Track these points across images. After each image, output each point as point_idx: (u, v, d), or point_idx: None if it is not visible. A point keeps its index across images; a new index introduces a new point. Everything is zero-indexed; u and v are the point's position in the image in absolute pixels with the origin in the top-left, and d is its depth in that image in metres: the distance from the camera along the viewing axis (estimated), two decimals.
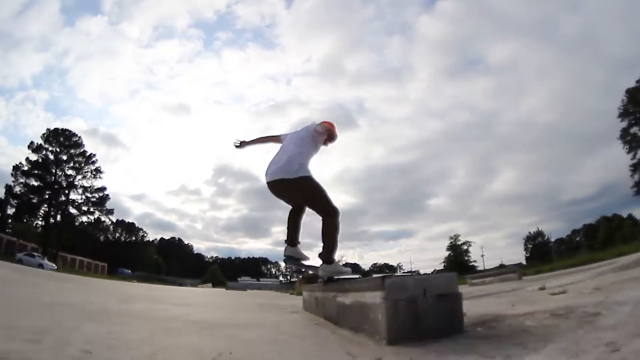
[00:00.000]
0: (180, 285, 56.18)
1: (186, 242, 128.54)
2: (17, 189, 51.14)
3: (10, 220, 51.22)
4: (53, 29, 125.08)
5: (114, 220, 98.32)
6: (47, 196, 52.10)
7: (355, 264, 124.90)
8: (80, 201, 56.46)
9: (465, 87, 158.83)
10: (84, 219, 57.77)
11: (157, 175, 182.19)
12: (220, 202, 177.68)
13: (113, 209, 59.77)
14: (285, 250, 4.31)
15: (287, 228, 4.32)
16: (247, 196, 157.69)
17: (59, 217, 54.08)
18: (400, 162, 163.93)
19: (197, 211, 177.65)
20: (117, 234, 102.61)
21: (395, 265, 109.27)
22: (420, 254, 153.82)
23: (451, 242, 60.81)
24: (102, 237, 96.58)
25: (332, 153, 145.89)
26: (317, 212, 3.89)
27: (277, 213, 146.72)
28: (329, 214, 3.81)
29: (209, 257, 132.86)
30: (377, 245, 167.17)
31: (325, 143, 4.27)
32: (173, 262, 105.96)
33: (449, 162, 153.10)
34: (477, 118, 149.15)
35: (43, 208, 52.38)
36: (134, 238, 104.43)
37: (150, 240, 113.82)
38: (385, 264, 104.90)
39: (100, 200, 57.60)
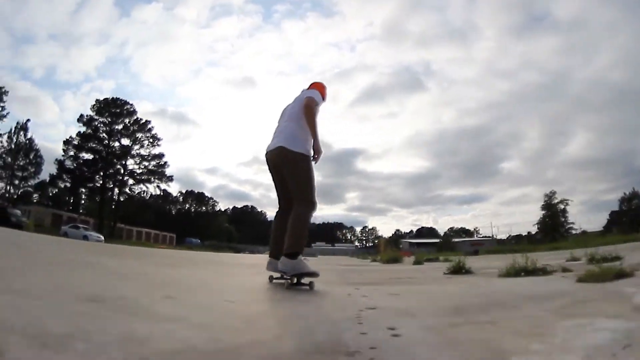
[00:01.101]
0: (251, 252, 54.24)
1: (259, 210, 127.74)
2: (68, 163, 48.76)
3: (69, 197, 48.25)
4: (109, 22, 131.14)
5: (183, 191, 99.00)
6: (101, 168, 49.35)
7: (431, 227, 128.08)
8: (138, 170, 53.43)
9: (533, 45, 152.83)
10: (142, 187, 54.21)
11: (229, 148, 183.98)
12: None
13: (172, 176, 55.94)
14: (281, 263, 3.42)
15: (275, 234, 3.73)
16: (320, 163, 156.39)
17: (116, 190, 51.23)
18: (471, 125, 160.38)
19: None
20: (187, 205, 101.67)
21: (472, 229, 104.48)
22: (494, 218, 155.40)
23: (546, 201, 49.03)
24: (172, 210, 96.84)
25: (402, 117, 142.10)
26: (297, 197, 3.51)
27: (350, 179, 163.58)
28: (308, 205, 3.52)
29: None
30: (451, 210, 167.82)
31: None
32: (245, 230, 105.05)
33: (521, 124, 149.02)
34: (547, 78, 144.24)
35: (97, 181, 49.56)
36: (204, 208, 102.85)
37: (222, 209, 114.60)
38: (461, 228, 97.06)
39: (158, 167, 54.13)
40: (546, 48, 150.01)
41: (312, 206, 3.53)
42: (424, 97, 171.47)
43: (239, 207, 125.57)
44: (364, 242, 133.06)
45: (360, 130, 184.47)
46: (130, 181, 52.49)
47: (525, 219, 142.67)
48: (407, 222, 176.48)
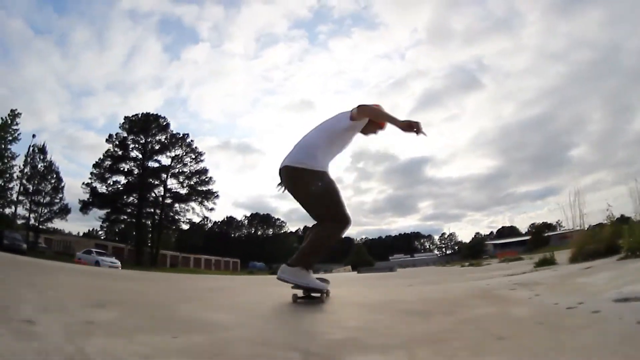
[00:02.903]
0: (325, 271, 53.16)
1: None
2: (98, 185, 44.45)
3: (103, 224, 44.47)
4: (161, 66, 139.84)
5: (248, 215, 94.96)
6: (136, 190, 44.62)
7: (511, 226, 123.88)
8: (180, 191, 48.36)
9: (578, 21, 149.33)
10: (186, 207, 48.50)
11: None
12: (364, 186, 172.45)
13: (217, 193, 49.73)
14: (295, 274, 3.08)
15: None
16: (389, 176, 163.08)
17: (156, 213, 46.36)
18: (533, 115, 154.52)
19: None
20: (253, 229, 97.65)
21: (554, 223, 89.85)
22: (571, 210, 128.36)
23: None
24: (236, 234, 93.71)
25: (463, 118, 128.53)
26: (322, 216, 3.13)
27: (420, 188, 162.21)
28: (338, 220, 3.08)
29: (358, 239, 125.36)
30: (525, 207, 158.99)
31: (373, 130, 3.44)
32: None
33: (582, 106, 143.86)
34: (599, 53, 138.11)
35: (132, 204, 45.03)
36: (271, 230, 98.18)
37: (293, 230, 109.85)
38: (544, 223, 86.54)
39: (202, 183, 48.77)
40: (592, 22, 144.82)
41: (344, 221, 3.09)
42: (482, 95, 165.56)
43: (310, 226, 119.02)
44: (444, 249, 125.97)
45: (423, 138, 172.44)
46: (172, 202, 47.59)
47: (603, 206, 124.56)
48: (483, 224, 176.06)
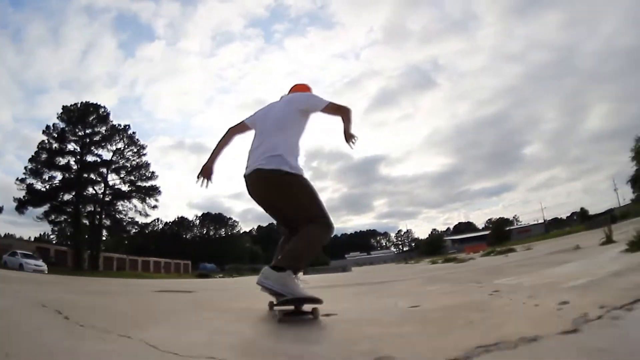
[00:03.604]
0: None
1: None
2: (37, 183, 40.03)
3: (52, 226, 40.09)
4: (116, 64, 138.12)
5: (200, 215, 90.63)
6: (73, 187, 40.51)
7: (468, 222, 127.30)
8: (122, 187, 44.48)
9: (535, 24, 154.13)
10: (128, 205, 44.80)
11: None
12: (318, 185, 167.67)
13: (159, 188, 46.26)
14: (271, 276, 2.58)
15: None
16: (343, 175, 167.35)
17: (97, 211, 42.43)
18: (488, 114, 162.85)
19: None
20: (205, 229, 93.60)
21: (511, 218, 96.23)
22: (524, 207, 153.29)
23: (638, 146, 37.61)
24: (188, 235, 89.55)
25: (418, 117, 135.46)
26: (305, 217, 2.73)
27: (375, 186, 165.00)
28: (321, 223, 2.74)
29: None
30: (480, 204, 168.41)
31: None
32: (273, 249, 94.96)
33: (537, 106, 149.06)
34: (556, 55, 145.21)
35: (71, 202, 40.82)
36: (223, 231, 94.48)
37: (247, 230, 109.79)
38: (500, 218, 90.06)
39: (144, 178, 45.22)
40: (549, 24, 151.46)
41: (327, 225, 2.76)
42: (437, 94, 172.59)
43: (264, 225, 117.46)
44: (401, 246, 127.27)
45: (378, 136, 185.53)
46: (113, 199, 43.63)
47: (557, 201, 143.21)
48: (439, 221, 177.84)
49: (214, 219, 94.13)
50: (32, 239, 49.54)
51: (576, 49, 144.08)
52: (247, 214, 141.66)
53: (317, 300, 2.54)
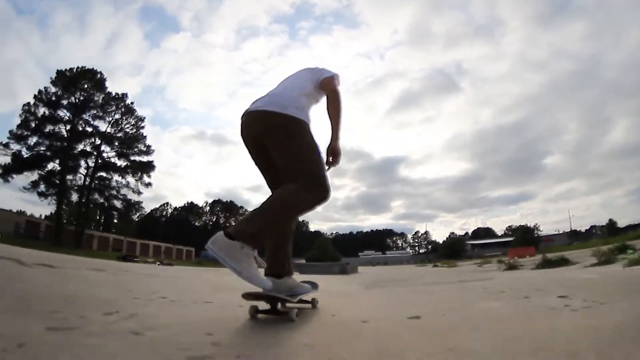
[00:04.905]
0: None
1: (301, 220, 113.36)
2: (22, 149, 36.75)
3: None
4: (141, 54, 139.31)
5: (210, 202, 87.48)
6: (62, 157, 37.23)
7: (487, 228, 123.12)
8: (117, 162, 40.99)
9: (560, 32, 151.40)
10: (122, 181, 41.41)
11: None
12: (337, 183, 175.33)
13: (152, 162, 42.63)
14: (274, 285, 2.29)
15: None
16: (362, 174, 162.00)
17: (87, 183, 39.13)
18: (510, 122, 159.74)
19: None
20: (215, 217, 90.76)
21: (532, 226, 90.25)
22: (542, 217, 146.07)
23: None
24: (197, 222, 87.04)
25: (440, 120, 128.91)
26: (294, 172, 2.23)
27: (394, 187, 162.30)
28: (312, 183, 2.22)
29: (328, 234, 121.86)
30: (498, 211, 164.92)
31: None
32: None
33: (559, 115, 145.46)
34: (580, 65, 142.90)
35: (58, 172, 37.46)
36: (233, 220, 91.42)
37: None
38: (521, 226, 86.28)
39: (140, 153, 41.76)
40: (574, 34, 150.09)
41: (317, 189, 2.22)
42: (460, 98, 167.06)
43: None
44: (417, 248, 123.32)
45: (399, 137, 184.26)
46: (105, 173, 40.23)
47: (574, 214, 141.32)
48: (455, 226, 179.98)
49: (225, 207, 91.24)
50: (43, 216, 47.32)
51: (600, 60, 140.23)
52: None
53: (272, 297, 2.18)
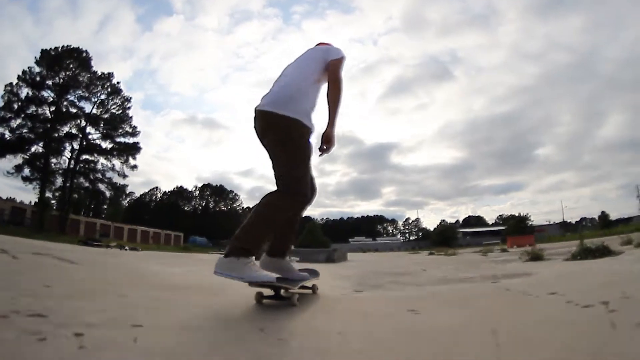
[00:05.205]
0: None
1: None
2: (4, 131, 35.33)
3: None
4: (133, 37, 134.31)
5: (199, 186, 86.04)
6: (44, 139, 35.86)
7: (479, 216, 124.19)
8: (103, 144, 39.65)
9: (558, 24, 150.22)
10: (107, 164, 40.14)
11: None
12: (328, 169, 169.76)
13: (138, 144, 41.46)
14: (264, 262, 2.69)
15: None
16: (354, 159, 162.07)
17: (72, 166, 37.71)
18: (503, 112, 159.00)
19: None
20: (204, 202, 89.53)
21: (523, 215, 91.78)
22: (532, 207, 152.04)
23: None
24: (187, 207, 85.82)
25: (432, 108, 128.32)
26: (277, 180, 2.49)
27: (385, 173, 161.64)
28: (291, 192, 2.42)
29: (319, 219, 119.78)
30: (488, 200, 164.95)
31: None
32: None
33: (553, 107, 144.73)
34: (576, 58, 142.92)
35: (40, 155, 36.10)
36: (223, 205, 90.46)
37: (250, 206, 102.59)
38: (512, 215, 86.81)
39: (124, 133, 40.42)
40: (571, 26, 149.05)
41: (293, 196, 2.40)
42: (453, 86, 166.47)
43: None
44: (407, 235, 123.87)
45: (391, 124, 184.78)
46: (90, 155, 38.85)
47: (564, 205, 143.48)
48: (446, 214, 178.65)
49: (215, 191, 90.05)
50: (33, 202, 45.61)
51: (596, 53, 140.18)
52: (256, 192, 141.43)
53: (276, 284, 2.32)
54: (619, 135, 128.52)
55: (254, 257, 2.25)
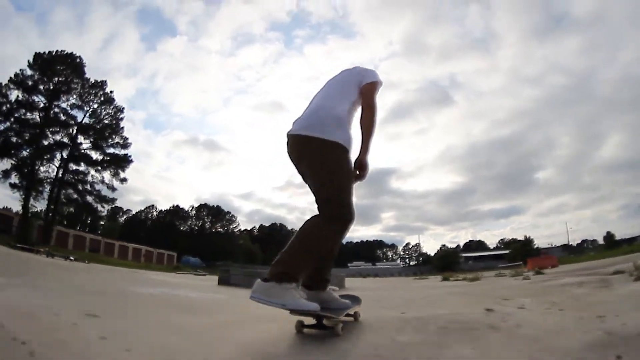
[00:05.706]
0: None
1: (290, 228, 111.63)
2: None
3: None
4: (137, 56, 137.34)
5: (196, 205, 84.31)
6: (32, 148, 34.27)
7: (479, 240, 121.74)
8: (87, 150, 38.18)
9: (555, 47, 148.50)
10: (97, 176, 38.56)
11: (263, 173, 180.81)
12: None
13: (130, 156, 40.22)
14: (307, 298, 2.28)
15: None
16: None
17: (60, 176, 36.08)
18: (503, 136, 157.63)
19: (306, 203, 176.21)
20: (200, 222, 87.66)
21: (526, 238, 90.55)
22: (533, 231, 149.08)
23: None
24: (183, 227, 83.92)
25: (432, 133, 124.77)
26: (319, 200, 2.38)
27: (384, 199, 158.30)
28: (334, 216, 2.31)
29: None
30: (488, 224, 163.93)
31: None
32: (273, 250, 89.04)
33: (552, 130, 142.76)
34: (573, 80, 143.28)
35: (28, 162, 34.53)
36: (220, 226, 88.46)
37: (248, 228, 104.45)
38: (513, 239, 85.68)
39: (115, 144, 39.03)
40: (569, 49, 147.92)
41: (339, 220, 2.29)
42: (453, 111, 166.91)
43: (267, 225, 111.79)
44: (407, 260, 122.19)
45: (391, 148, 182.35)
46: (79, 166, 37.21)
47: (566, 228, 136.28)
48: (446, 239, 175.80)
49: (212, 212, 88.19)
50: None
51: (594, 75, 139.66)
52: (254, 215, 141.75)
53: (320, 314, 2.15)
54: (618, 155, 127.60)
55: (295, 284, 2.10)
